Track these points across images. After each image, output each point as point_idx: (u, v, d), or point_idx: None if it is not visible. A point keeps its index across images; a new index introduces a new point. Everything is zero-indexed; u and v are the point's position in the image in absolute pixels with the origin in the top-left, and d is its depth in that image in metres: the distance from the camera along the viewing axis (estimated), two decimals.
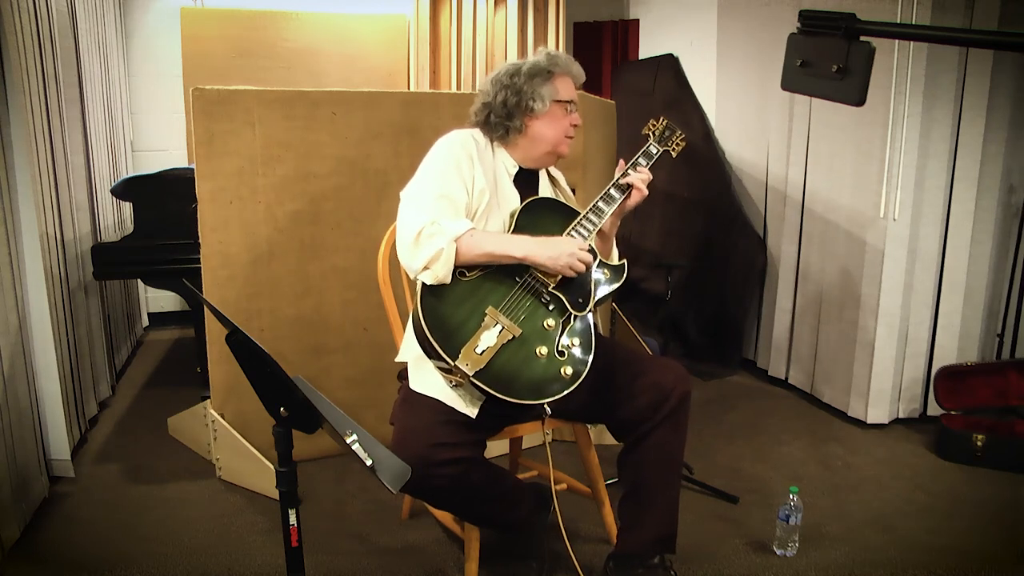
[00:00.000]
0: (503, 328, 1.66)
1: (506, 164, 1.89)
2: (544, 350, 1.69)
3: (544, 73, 1.83)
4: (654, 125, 1.98)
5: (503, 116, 1.85)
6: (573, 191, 2.32)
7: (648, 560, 1.86)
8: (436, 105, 2.64)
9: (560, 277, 1.77)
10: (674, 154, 1.97)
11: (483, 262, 1.73)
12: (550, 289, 1.76)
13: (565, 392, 1.66)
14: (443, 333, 1.63)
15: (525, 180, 1.92)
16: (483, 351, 1.63)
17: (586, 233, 1.81)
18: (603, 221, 1.83)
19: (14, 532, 2.09)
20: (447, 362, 1.61)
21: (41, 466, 2.35)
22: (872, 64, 1.09)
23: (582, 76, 1.92)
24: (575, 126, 1.89)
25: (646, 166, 1.90)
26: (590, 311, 1.78)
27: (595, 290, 1.81)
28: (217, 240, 2.44)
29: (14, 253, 2.23)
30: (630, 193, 1.86)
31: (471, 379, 1.60)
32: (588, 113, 2.81)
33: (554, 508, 1.81)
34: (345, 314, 2.63)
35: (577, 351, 1.72)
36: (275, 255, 2.52)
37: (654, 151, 1.94)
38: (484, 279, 1.74)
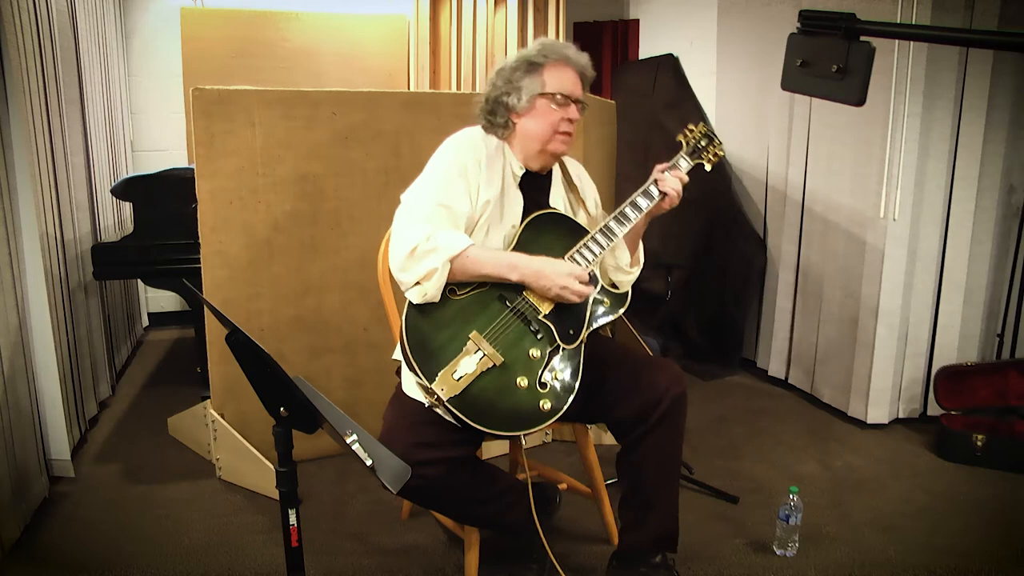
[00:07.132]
0: (484, 355, 1.59)
1: (513, 167, 1.80)
2: (524, 381, 1.61)
3: (527, 65, 1.73)
4: (691, 131, 1.84)
5: (488, 112, 1.78)
6: None
7: (650, 559, 1.83)
8: (436, 105, 2.64)
9: (554, 305, 1.69)
10: (708, 166, 1.86)
11: (476, 281, 1.67)
12: (540, 317, 1.67)
13: (539, 427, 1.60)
14: (422, 354, 1.57)
15: (533, 184, 1.83)
16: (460, 377, 1.55)
17: (590, 257, 1.72)
18: (615, 241, 1.76)
19: (14, 532, 2.09)
20: (424, 383, 1.56)
21: (41, 466, 2.35)
22: (872, 64, 1.09)
23: (583, 64, 1.76)
24: (570, 121, 1.74)
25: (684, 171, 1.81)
26: (581, 343, 1.70)
27: (591, 319, 1.73)
28: (217, 240, 2.44)
29: (14, 253, 2.23)
30: (664, 198, 1.80)
31: (445, 403, 1.54)
32: (588, 113, 2.80)
33: (533, 508, 1.73)
34: (345, 314, 2.63)
35: (560, 385, 1.64)
36: (275, 255, 2.51)
37: (684, 165, 1.83)
38: (473, 300, 1.65)
